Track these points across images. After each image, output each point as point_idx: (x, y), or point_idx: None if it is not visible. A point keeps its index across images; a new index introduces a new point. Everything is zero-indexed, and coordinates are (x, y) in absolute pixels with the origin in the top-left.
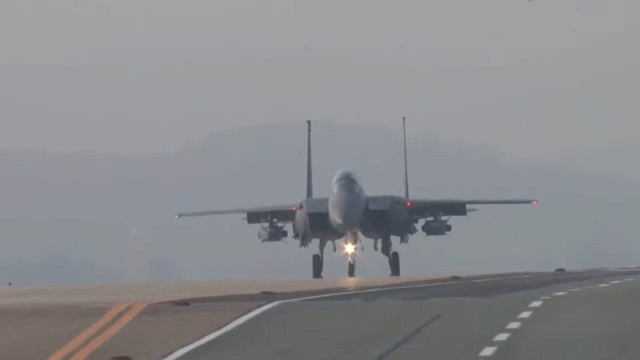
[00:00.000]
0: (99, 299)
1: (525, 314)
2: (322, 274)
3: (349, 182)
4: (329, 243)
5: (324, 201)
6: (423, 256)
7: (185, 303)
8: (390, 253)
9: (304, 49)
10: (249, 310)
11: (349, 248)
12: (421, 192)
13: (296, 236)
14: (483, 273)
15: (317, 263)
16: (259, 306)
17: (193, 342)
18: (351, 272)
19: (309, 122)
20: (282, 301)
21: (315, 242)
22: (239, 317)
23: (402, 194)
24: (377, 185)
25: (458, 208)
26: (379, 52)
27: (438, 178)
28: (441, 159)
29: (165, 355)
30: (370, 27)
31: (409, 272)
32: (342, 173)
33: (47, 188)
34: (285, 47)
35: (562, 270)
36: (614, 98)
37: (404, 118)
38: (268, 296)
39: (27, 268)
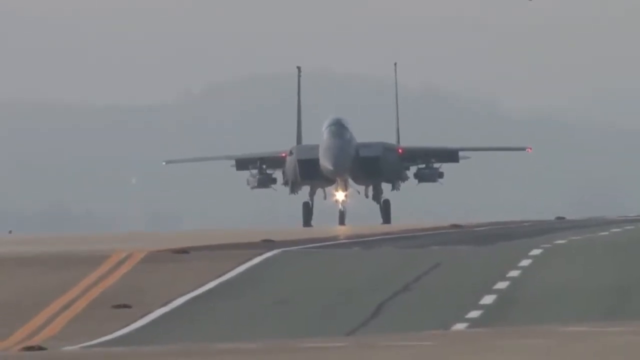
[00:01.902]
0: (98, 247)
1: (525, 262)
2: (312, 222)
3: (339, 128)
4: (319, 191)
5: (314, 147)
6: (415, 204)
7: (185, 251)
8: (382, 200)
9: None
10: (249, 259)
11: (340, 195)
12: (417, 141)
13: (286, 183)
14: (483, 221)
15: (307, 211)
16: (259, 254)
17: (193, 290)
18: (341, 220)
19: (298, 67)
20: (282, 249)
21: (305, 190)
22: (239, 265)
23: (395, 142)
24: (370, 133)
25: (450, 155)
26: (383, 3)
27: (436, 128)
28: (439, 109)
29: (166, 304)
30: None
31: (401, 220)
32: (333, 119)
33: (46, 137)
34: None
35: (562, 218)
36: (612, 46)
37: (395, 64)
38: (269, 244)
39: (27, 217)
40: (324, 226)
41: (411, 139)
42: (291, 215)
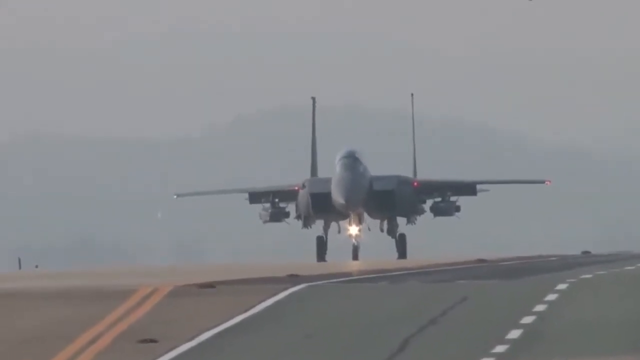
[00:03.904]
0: (124, 281)
1: (551, 297)
2: (326, 257)
3: (352, 161)
4: (333, 224)
5: (327, 181)
6: (431, 238)
7: (211, 286)
8: (397, 235)
9: (325, 32)
10: (275, 293)
11: (353, 229)
12: (440, 173)
13: (298, 217)
14: (505, 256)
15: (321, 245)
16: (285, 289)
17: (219, 324)
18: (355, 255)
19: (313, 98)
20: (308, 284)
21: (318, 224)
22: (264, 299)
23: (418, 175)
24: (389, 165)
25: (468, 188)
26: (406, 35)
27: (461, 160)
28: (464, 140)
29: (192, 338)
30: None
31: (415, 255)
32: (346, 151)
33: (70, 170)
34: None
35: (588, 252)
36: (637, 80)
37: (412, 94)
38: (294, 279)
39: (53, 251)
40: (338, 261)
41: (435, 171)
42: (305, 250)
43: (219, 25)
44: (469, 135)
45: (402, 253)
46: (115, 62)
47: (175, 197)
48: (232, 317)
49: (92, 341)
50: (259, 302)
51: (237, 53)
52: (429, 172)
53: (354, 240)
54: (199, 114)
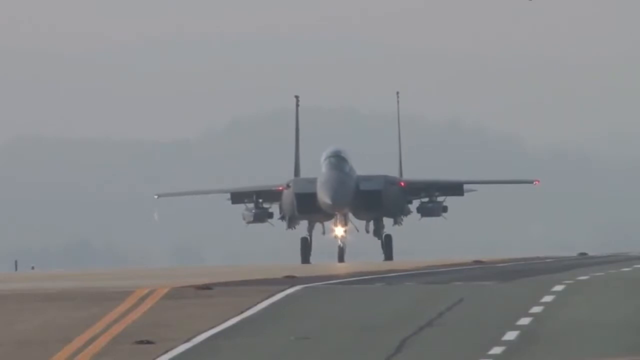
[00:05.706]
0: (121, 283)
1: (548, 298)
2: (311, 259)
3: (338, 161)
4: (318, 225)
5: (313, 181)
6: (417, 239)
7: (208, 287)
8: (383, 236)
9: (317, 34)
10: (272, 295)
11: (339, 230)
12: (436, 175)
13: (283, 218)
14: (505, 257)
15: (306, 247)
16: (282, 290)
17: (216, 326)
18: (341, 257)
19: (297, 97)
20: (304, 285)
21: (303, 225)
22: (261, 301)
23: (404, 175)
24: (380, 165)
25: (455, 188)
26: (400, 35)
27: (459, 161)
28: (462, 142)
29: (188, 340)
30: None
31: (402, 256)
32: (332, 151)
33: (67, 172)
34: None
35: (584, 254)
36: (635, 83)
37: (397, 93)
38: (291, 280)
39: (50, 252)
40: (323, 263)
41: (428, 172)
42: (288, 251)
43: (217, 27)
44: (463, 136)
45: (388, 254)
46: (111, 64)
47: (156, 197)
48: (228, 319)
49: (89, 342)
50: (256, 304)
51: (234, 55)
52: (421, 172)
53: (339, 242)
54: (196, 116)
